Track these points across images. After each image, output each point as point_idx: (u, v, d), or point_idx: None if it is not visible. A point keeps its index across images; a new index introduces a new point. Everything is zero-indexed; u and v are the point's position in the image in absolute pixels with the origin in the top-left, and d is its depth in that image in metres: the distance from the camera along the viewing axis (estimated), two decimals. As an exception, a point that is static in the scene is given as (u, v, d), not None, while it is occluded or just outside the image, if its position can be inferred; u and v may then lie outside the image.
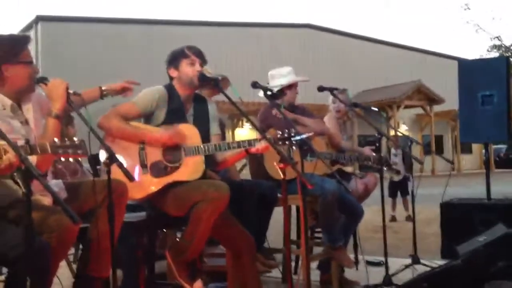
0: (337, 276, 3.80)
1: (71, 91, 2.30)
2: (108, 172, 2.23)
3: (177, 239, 2.95)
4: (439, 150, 27.02)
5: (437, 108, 25.35)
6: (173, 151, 2.88)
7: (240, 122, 21.50)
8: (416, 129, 27.44)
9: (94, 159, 2.81)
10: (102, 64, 19.83)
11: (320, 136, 4.02)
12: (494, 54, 17.27)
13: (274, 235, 3.75)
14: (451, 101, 24.89)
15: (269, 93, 3.04)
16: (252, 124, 2.88)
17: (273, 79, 3.93)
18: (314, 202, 3.66)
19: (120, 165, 2.20)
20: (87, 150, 2.11)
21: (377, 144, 3.71)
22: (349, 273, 4.09)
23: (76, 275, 2.58)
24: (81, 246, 2.56)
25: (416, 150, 20.32)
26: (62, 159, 1.96)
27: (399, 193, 8.48)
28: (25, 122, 2.40)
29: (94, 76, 19.70)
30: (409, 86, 24.17)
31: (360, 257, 4.37)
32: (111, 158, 2.21)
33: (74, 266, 3.47)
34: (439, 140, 27.90)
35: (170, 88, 3.00)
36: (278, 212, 3.54)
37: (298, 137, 2.77)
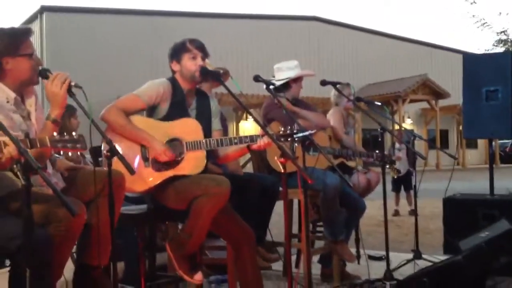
0: (338, 270, 3.81)
1: (72, 83, 2.30)
2: (109, 165, 2.23)
3: (178, 232, 2.95)
4: (444, 145, 26.95)
5: (442, 102, 25.26)
6: (175, 145, 2.88)
7: (244, 115, 21.49)
8: (421, 123, 27.37)
9: (95, 151, 2.82)
10: (106, 55, 19.86)
11: (323, 130, 4.02)
12: (500, 49, 17.14)
13: (278, 228, 3.75)
14: (456, 96, 24.83)
15: (271, 87, 3.03)
16: (254, 118, 2.86)
17: (279, 72, 3.93)
18: (316, 196, 3.66)
19: (121, 158, 2.20)
20: (86, 145, 2.12)
21: (380, 139, 3.69)
22: (351, 267, 4.10)
23: (76, 264, 2.59)
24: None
25: (421, 145, 20.27)
26: (62, 153, 1.97)
27: (402, 188, 8.47)
28: (27, 117, 2.40)
29: (98, 66, 19.81)
30: (414, 80, 24.07)
31: (361, 251, 4.37)
32: (112, 151, 2.21)
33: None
34: (444, 134, 27.81)
35: (173, 82, 2.99)
36: (281, 206, 3.55)
37: (300, 134, 2.77)
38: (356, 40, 26.99)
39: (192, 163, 2.85)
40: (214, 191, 2.66)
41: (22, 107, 2.40)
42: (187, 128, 2.91)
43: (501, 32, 17.40)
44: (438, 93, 24.63)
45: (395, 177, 8.15)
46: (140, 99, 2.88)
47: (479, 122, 4.85)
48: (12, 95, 2.35)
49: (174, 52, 3.01)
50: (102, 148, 2.76)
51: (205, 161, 2.89)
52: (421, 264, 4.10)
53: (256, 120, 2.81)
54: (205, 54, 2.98)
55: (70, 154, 2.10)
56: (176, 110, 2.94)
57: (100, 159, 2.84)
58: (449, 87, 25.20)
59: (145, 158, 2.83)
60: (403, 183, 8.43)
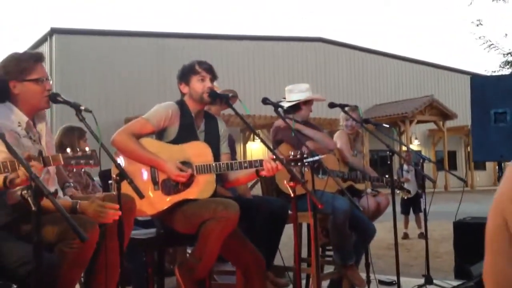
0: (348, 295, 3.75)
1: (82, 107, 2.31)
2: (118, 189, 2.23)
3: (187, 256, 2.92)
4: (452, 166, 26.78)
5: (450, 123, 25.20)
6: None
7: (252, 136, 21.51)
8: (428, 144, 27.27)
9: (104, 174, 2.82)
10: (114, 76, 20.02)
11: (332, 152, 4.01)
12: (507, 70, 17.11)
13: (286, 251, 3.71)
14: (463, 117, 24.83)
15: (279, 109, 3.04)
16: (263, 141, 2.86)
17: (291, 94, 3.95)
18: (325, 219, 3.63)
19: (131, 182, 2.20)
20: (99, 161, 2.13)
21: (389, 162, 3.67)
22: (361, 292, 4.03)
23: None
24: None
25: (429, 166, 20.16)
26: (71, 182, 1.98)
27: (411, 210, 8.39)
28: (38, 141, 2.42)
29: (106, 88, 19.96)
30: (421, 101, 24.06)
31: (372, 276, 4.31)
32: (122, 175, 2.21)
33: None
34: (452, 155, 27.67)
35: (181, 104, 3.01)
36: (290, 229, 3.51)
37: (310, 159, 2.76)
38: (362, 61, 27.10)
39: (201, 187, 2.84)
40: (222, 215, 2.64)
41: (34, 131, 2.41)
42: (197, 151, 2.92)
43: (507, 54, 17.39)
44: (445, 114, 24.58)
45: (405, 198, 8.09)
46: (149, 123, 2.89)
47: (488, 144, 4.81)
48: (25, 119, 2.38)
49: (182, 74, 3.02)
50: (112, 172, 2.76)
51: (215, 185, 2.88)
52: (433, 289, 4.03)
53: (265, 144, 2.81)
54: (213, 76, 3.00)
55: (82, 171, 2.10)
56: (185, 133, 2.95)
57: (110, 182, 2.84)
58: (456, 108, 25.17)
59: (154, 182, 2.83)
60: (412, 205, 8.34)
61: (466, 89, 26.28)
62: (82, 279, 3.24)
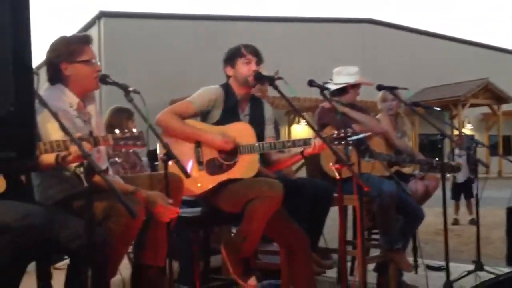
0: (394, 279, 3.71)
1: (131, 89, 2.36)
2: (165, 168, 2.28)
3: (232, 235, 2.97)
4: (507, 151, 25.81)
5: (505, 107, 24.23)
6: None
7: (297, 118, 21.39)
8: (482, 128, 26.34)
9: (152, 154, 2.88)
10: (161, 59, 20.29)
11: (378, 136, 3.95)
12: None
13: (330, 234, 3.71)
14: (521, 100, 23.82)
15: (325, 92, 3.01)
16: (307, 122, 2.85)
17: (338, 76, 3.90)
18: (371, 203, 3.58)
19: (177, 161, 2.25)
20: (146, 141, 2.19)
21: (440, 146, 3.58)
22: (408, 277, 3.99)
23: (133, 263, 2.67)
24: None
25: (482, 151, 19.51)
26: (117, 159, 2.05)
27: (462, 196, 8.18)
28: (88, 121, 2.50)
29: (153, 70, 20.28)
30: (475, 84, 23.20)
31: (419, 260, 4.25)
32: (168, 154, 2.26)
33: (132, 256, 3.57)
34: (507, 140, 26.65)
35: (226, 88, 3.03)
36: (335, 211, 3.50)
37: (354, 137, 2.72)
38: (413, 43, 26.33)
39: (245, 167, 2.87)
40: (267, 194, 2.66)
41: (84, 112, 2.49)
42: (240, 132, 2.95)
43: None
44: (500, 98, 23.65)
45: (459, 180, 7.87)
46: (193, 105, 2.95)
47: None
48: (76, 100, 2.45)
49: (228, 57, 3.04)
50: (158, 152, 2.82)
51: (258, 165, 2.91)
52: (483, 276, 3.93)
53: (309, 124, 2.81)
54: (259, 59, 3.00)
55: (130, 151, 2.16)
56: (228, 116, 2.98)
57: (156, 163, 2.91)
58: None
59: (199, 162, 2.88)
60: (463, 191, 8.13)
61: (523, 71, 25.30)
62: (130, 254, 3.36)
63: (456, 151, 8.20)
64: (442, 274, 3.68)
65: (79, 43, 2.47)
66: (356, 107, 3.97)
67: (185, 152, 2.87)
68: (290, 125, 21.44)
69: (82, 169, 1.71)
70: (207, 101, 2.95)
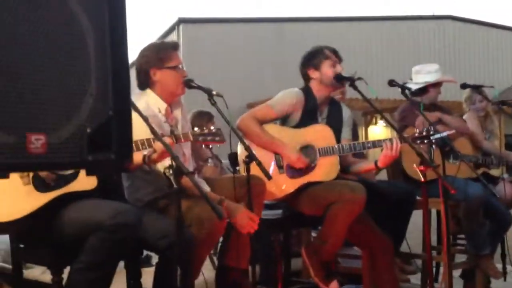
0: (482, 286, 3.55)
1: (214, 92, 2.41)
2: (247, 170, 2.31)
3: (313, 238, 2.96)
4: None
5: None
6: (308, 151, 2.90)
7: (374, 119, 20.95)
8: None
9: (234, 157, 2.93)
10: (237, 62, 20.61)
11: (463, 136, 3.79)
12: None
13: (412, 239, 3.60)
14: None
15: (407, 91, 2.94)
16: (388, 122, 2.80)
17: (418, 75, 3.78)
18: (456, 207, 3.44)
19: (259, 164, 2.28)
20: (224, 138, 2.25)
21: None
22: (496, 284, 3.80)
23: (217, 265, 2.73)
24: (221, 238, 2.70)
25: None
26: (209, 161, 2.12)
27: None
28: (175, 126, 2.59)
29: (229, 74, 20.62)
30: None
31: (508, 267, 4.03)
32: (250, 157, 2.29)
33: (215, 258, 3.65)
34: None
35: (307, 91, 3.02)
36: (415, 215, 3.39)
37: (437, 135, 2.64)
38: (497, 39, 25.01)
39: (325, 169, 2.86)
40: (348, 198, 2.63)
41: (171, 117, 2.58)
42: (319, 134, 2.93)
43: None
44: None
45: None
46: (273, 109, 2.95)
47: None
48: (164, 105, 2.54)
49: (311, 59, 3.02)
50: (239, 153, 2.87)
51: (338, 167, 2.88)
52: None
53: (390, 124, 2.76)
54: (341, 61, 2.97)
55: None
56: (308, 119, 2.97)
57: (237, 167, 2.95)
58: None
59: (279, 166, 2.89)
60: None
61: None
62: (213, 257, 3.43)
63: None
64: (534, 283, 3.48)
65: (168, 49, 2.56)
66: (438, 107, 3.84)
67: (266, 155, 2.89)
68: (367, 126, 21.01)
69: (171, 170, 1.77)
70: (288, 105, 2.95)
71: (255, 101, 17.15)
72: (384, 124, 20.93)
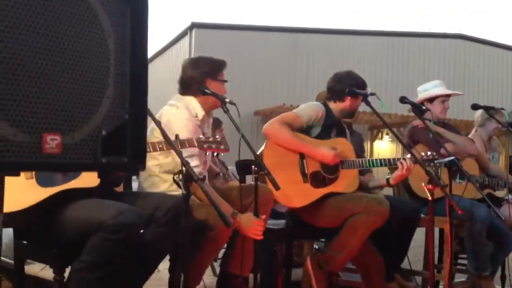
0: (481, 307, 3.53)
1: (227, 100, 2.43)
2: (256, 180, 2.32)
3: (324, 249, 2.97)
4: None
5: None
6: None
7: (380, 134, 20.95)
8: None
9: (242, 164, 2.94)
10: (248, 70, 20.64)
11: (470, 157, 3.79)
12: None
13: (412, 256, 3.59)
14: None
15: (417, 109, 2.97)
16: (397, 137, 2.82)
17: (419, 94, 3.82)
18: (461, 226, 3.44)
19: (268, 173, 2.28)
20: (228, 147, 2.28)
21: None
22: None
23: (220, 271, 2.73)
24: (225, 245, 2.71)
25: None
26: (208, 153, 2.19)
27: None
28: (204, 134, 2.66)
29: (240, 81, 20.65)
30: None
31: (508, 290, 4.00)
32: (259, 166, 2.30)
33: (215, 264, 3.65)
34: None
35: (326, 107, 3.11)
36: (416, 232, 3.39)
37: (442, 160, 2.72)
38: (506, 60, 25.01)
39: (347, 181, 2.93)
40: (375, 209, 2.70)
41: (204, 126, 2.69)
42: (341, 147, 3.00)
43: None
44: None
45: None
46: (301, 118, 3.00)
47: None
48: (202, 112, 2.65)
49: (338, 91, 3.11)
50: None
51: (358, 181, 2.95)
52: None
53: (400, 141, 2.80)
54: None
55: (217, 161, 2.27)
56: (324, 135, 3.05)
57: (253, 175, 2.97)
58: None
59: (303, 174, 2.91)
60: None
61: None
62: (214, 264, 3.43)
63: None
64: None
65: (221, 65, 2.74)
66: (448, 126, 3.84)
67: (289, 163, 2.91)
68: (372, 141, 21.00)
69: (181, 176, 1.78)
70: (314, 117, 3.01)
71: (263, 109, 17.17)
72: (390, 139, 20.91)
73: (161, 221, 2.15)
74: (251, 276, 2.65)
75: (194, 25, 21.33)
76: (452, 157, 2.76)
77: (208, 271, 3.79)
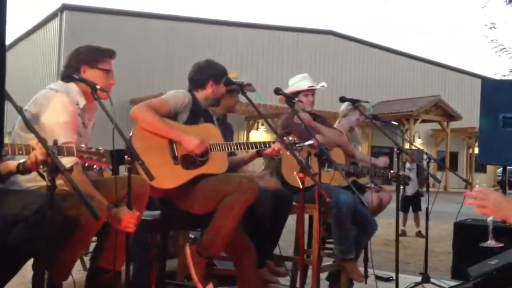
0: (345, 288, 3.78)
1: (98, 87, 2.33)
2: (129, 170, 2.25)
3: (201, 236, 2.97)
4: (454, 167, 26.76)
5: (454, 124, 25.14)
6: None
7: (256, 124, 21.52)
8: (431, 144, 27.23)
9: (115, 154, 2.83)
10: (123, 57, 19.94)
11: (339, 147, 4.02)
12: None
13: (283, 242, 3.74)
14: (468, 118, 24.76)
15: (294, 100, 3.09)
16: (270, 127, 2.91)
17: (289, 87, 3.97)
18: (327, 213, 3.64)
19: (141, 164, 2.22)
20: (111, 161, 2.17)
21: (396, 159, 3.69)
22: (358, 287, 4.07)
23: (90, 266, 2.61)
24: (95, 238, 2.60)
25: (430, 166, 20.10)
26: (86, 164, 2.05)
27: (410, 208, 8.42)
28: (86, 125, 2.59)
29: (114, 68, 19.88)
30: (427, 100, 24.01)
31: (369, 271, 4.34)
32: (133, 156, 2.23)
33: (85, 259, 3.49)
34: (454, 156, 27.63)
35: (193, 95, 3.15)
36: (288, 219, 3.53)
37: (302, 144, 2.98)
38: (372, 57, 26.99)
39: (217, 163, 2.98)
40: (248, 186, 2.76)
41: (85, 116, 2.57)
42: (208, 132, 3.07)
43: (518, 58, 17.31)
44: (450, 115, 24.52)
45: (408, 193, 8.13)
46: (168, 103, 3.00)
47: (494, 148, 4.82)
48: (83, 101, 2.54)
49: (217, 74, 3.17)
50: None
51: (227, 161, 3.03)
52: (429, 288, 4.06)
53: (273, 130, 2.90)
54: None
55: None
56: (193, 120, 3.08)
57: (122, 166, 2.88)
58: (461, 109, 25.09)
59: (174, 157, 2.89)
60: (412, 203, 8.37)
61: (473, 91, 26.18)
62: (84, 257, 3.27)
63: (407, 164, 8.45)
64: (391, 285, 3.78)
65: (103, 54, 2.65)
66: (319, 117, 4.03)
67: (159, 146, 2.89)
68: (249, 131, 21.51)
69: (45, 167, 1.67)
70: (181, 103, 3.03)
71: (139, 97, 16.74)
72: (265, 129, 21.57)
73: (30, 220, 2.00)
74: (123, 269, 2.57)
75: (65, 7, 20.09)
76: (306, 143, 3.01)
77: (78, 265, 3.63)
